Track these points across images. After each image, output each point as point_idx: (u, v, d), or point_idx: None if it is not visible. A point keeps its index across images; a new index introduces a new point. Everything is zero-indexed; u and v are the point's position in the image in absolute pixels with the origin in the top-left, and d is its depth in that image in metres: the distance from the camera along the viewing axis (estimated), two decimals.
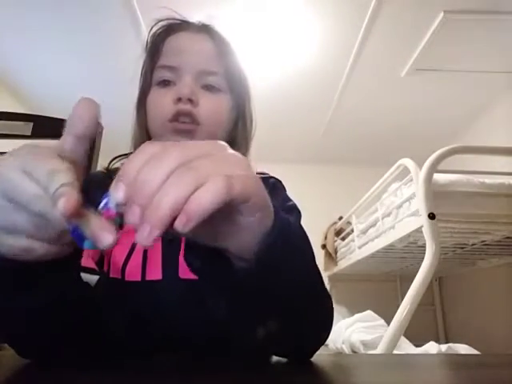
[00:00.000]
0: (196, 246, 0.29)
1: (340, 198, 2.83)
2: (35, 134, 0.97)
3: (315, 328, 0.39)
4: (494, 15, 1.75)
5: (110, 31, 1.95)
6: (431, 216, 1.34)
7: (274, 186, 0.62)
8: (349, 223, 2.51)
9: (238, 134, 0.63)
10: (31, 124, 0.97)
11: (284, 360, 0.38)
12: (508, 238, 1.59)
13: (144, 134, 0.59)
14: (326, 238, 2.77)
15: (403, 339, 1.73)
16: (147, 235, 0.21)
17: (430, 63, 2.11)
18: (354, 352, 1.86)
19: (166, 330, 0.46)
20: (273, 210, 0.29)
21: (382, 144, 3.00)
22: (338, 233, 2.74)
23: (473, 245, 1.76)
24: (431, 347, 1.69)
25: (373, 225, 2.05)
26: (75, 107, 0.28)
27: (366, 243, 2.09)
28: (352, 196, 2.44)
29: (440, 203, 1.40)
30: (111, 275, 0.50)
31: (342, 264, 2.54)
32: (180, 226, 0.21)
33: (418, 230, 1.43)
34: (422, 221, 1.36)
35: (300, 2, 1.77)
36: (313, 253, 0.39)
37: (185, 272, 0.49)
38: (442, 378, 0.29)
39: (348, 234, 2.54)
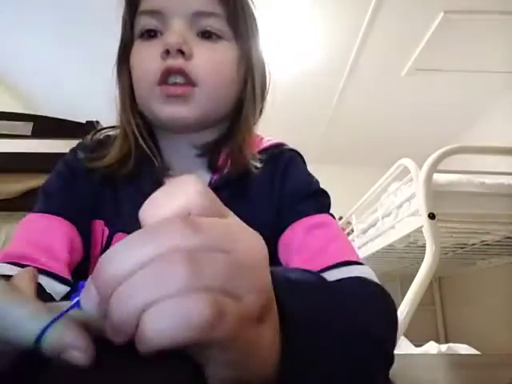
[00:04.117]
0: None
1: (340, 198, 2.82)
2: (35, 134, 0.97)
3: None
4: (494, 15, 1.75)
5: (112, 30, 1.95)
6: (431, 216, 1.34)
7: (287, 167, 0.49)
8: (349, 223, 2.51)
9: (245, 97, 0.48)
10: (31, 124, 0.97)
11: None
12: (508, 238, 1.59)
13: (128, 101, 0.48)
14: None
15: (403, 339, 1.73)
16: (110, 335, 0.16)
17: (430, 63, 2.11)
18: None
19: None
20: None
21: (382, 144, 3.00)
22: None
23: (473, 245, 1.76)
24: (431, 347, 1.68)
25: (373, 225, 2.05)
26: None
27: (366, 243, 2.09)
28: (352, 196, 2.44)
29: (440, 203, 1.39)
30: None
31: None
32: (139, 346, 0.15)
33: (418, 230, 1.42)
34: (422, 221, 1.36)
35: (300, 3, 1.77)
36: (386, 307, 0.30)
37: None
38: (442, 378, 0.29)
39: (348, 234, 2.54)
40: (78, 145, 0.52)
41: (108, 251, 0.16)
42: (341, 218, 2.74)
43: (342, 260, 0.38)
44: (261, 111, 0.52)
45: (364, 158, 3.19)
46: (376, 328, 0.27)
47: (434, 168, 1.41)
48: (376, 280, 0.37)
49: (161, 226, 0.17)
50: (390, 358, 0.27)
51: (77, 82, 2.31)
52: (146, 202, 0.18)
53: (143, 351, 0.15)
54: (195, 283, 0.15)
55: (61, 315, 0.18)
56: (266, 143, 0.53)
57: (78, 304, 0.17)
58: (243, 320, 0.16)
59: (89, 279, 0.17)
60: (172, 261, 0.15)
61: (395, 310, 0.32)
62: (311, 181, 0.49)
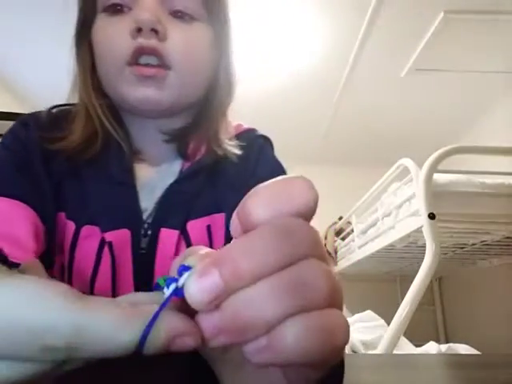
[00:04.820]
0: None
1: (340, 198, 2.84)
2: None
3: None
4: (494, 15, 1.75)
5: None
6: (431, 216, 1.34)
7: (258, 160, 0.48)
8: (349, 223, 2.51)
9: (219, 83, 0.45)
10: None
11: None
12: (508, 238, 1.59)
13: (88, 81, 0.43)
14: (325, 238, 2.77)
15: (403, 339, 1.73)
16: (209, 337, 0.15)
17: (430, 63, 2.11)
18: (353, 352, 1.85)
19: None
20: None
21: (382, 144, 3.00)
22: (338, 233, 2.74)
23: (473, 245, 1.76)
24: (431, 347, 1.68)
25: (373, 225, 2.05)
26: None
27: (366, 243, 2.09)
28: (352, 196, 2.44)
29: (440, 203, 1.39)
30: (74, 286, 0.40)
31: (342, 264, 2.54)
32: (250, 355, 0.14)
33: (418, 230, 1.42)
34: (422, 221, 1.36)
35: (300, 2, 1.77)
36: None
37: None
38: (442, 378, 0.29)
39: (348, 234, 2.54)
40: (30, 117, 0.46)
41: (243, 242, 0.15)
42: (341, 218, 2.74)
43: None
44: (231, 98, 0.49)
45: (364, 157, 3.19)
46: None
47: (433, 168, 1.41)
48: None
49: (295, 229, 0.15)
50: None
51: None
52: (251, 195, 0.17)
53: (267, 363, 0.14)
54: (334, 299, 0.15)
55: (163, 305, 0.15)
56: (238, 129, 0.51)
57: (177, 292, 0.15)
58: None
59: (207, 265, 0.14)
60: (316, 272, 0.15)
61: None
62: (278, 172, 0.47)
